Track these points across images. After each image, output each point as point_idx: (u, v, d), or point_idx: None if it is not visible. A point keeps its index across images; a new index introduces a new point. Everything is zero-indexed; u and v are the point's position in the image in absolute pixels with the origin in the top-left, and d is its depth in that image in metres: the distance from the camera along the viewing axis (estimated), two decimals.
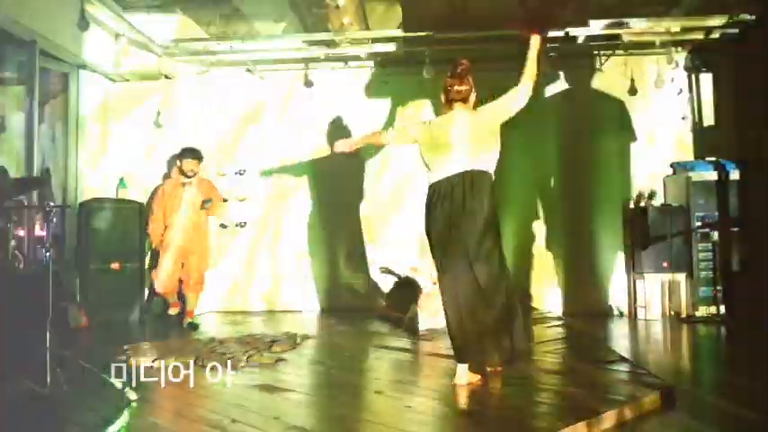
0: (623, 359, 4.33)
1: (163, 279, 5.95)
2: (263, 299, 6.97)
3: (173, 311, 6.19)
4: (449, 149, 3.68)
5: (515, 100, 3.83)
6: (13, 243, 3.93)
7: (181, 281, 6.03)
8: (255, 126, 7.11)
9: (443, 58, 6.51)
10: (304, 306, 6.91)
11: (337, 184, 6.94)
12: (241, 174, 6.97)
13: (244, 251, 6.99)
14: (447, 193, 3.64)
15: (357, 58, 6.79)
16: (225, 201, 6.51)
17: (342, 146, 4.18)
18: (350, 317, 6.24)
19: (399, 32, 6.30)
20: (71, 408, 3.20)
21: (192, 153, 5.98)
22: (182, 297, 6.16)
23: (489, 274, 3.59)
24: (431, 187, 3.74)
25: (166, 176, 6.59)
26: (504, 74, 6.44)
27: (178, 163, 6.03)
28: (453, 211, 3.61)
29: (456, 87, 3.79)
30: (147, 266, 6.47)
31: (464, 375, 3.61)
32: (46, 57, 5.93)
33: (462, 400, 3.48)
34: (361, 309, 6.56)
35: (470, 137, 3.70)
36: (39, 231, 5.43)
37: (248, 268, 7.00)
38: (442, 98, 3.87)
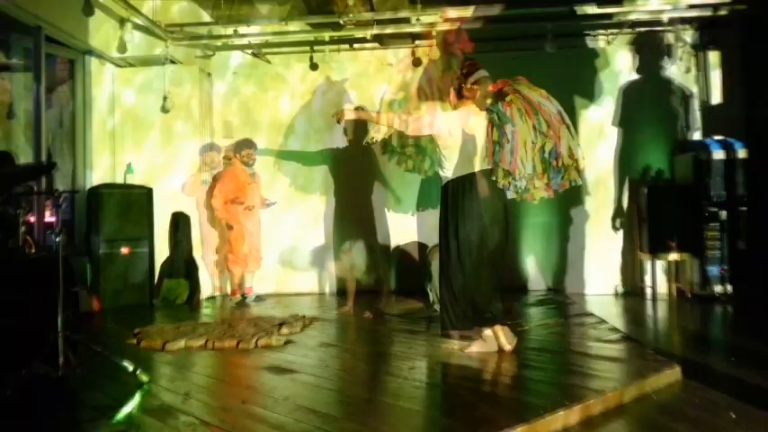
0: (629, 338, 4.35)
1: (243, 261, 6.37)
2: (273, 281, 7.02)
3: (236, 299, 6.39)
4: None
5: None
6: (23, 229, 3.95)
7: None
8: (265, 110, 7.11)
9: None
10: (313, 288, 6.95)
11: (350, 167, 6.95)
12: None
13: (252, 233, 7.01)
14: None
15: (362, 39, 6.75)
16: None
17: (349, 113, 4.16)
18: (359, 299, 6.25)
19: (405, 13, 6.25)
20: (84, 390, 3.25)
21: (252, 144, 6.50)
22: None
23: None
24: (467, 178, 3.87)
25: (226, 164, 6.78)
26: (509, 54, 6.55)
27: (239, 154, 6.43)
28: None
29: (472, 86, 3.93)
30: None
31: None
32: (52, 43, 5.94)
33: (472, 379, 3.51)
34: (370, 291, 6.60)
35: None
36: (49, 217, 5.49)
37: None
38: (454, 95, 3.98)
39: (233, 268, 6.40)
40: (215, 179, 6.56)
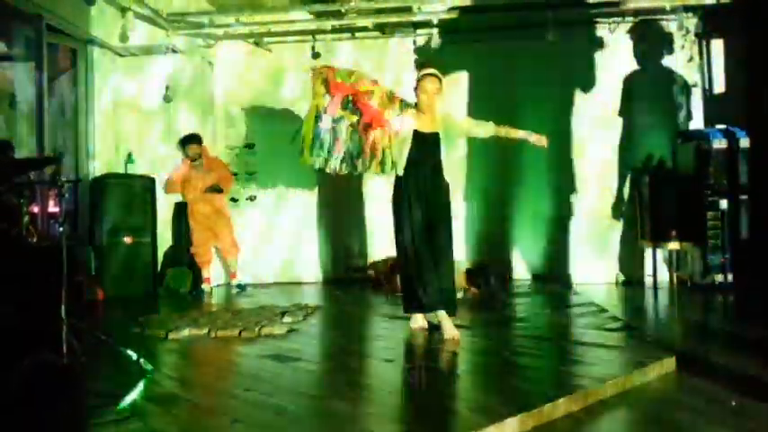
0: (629, 326, 4.36)
1: (198, 249, 6.51)
2: (274, 270, 7.04)
3: (206, 287, 6.54)
4: None
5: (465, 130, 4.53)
6: (26, 218, 3.97)
7: (217, 249, 6.69)
8: (263, 99, 7.09)
9: (453, 27, 6.50)
10: (315, 278, 6.98)
11: None
12: (250, 148, 6.98)
13: (255, 224, 7.04)
14: None
15: (364, 28, 6.73)
16: (235, 174, 6.78)
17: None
18: (360, 288, 6.30)
19: (406, 2, 6.22)
20: (88, 379, 3.26)
21: (193, 139, 6.56)
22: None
23: None
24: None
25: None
26: (510, 42, 6.53)
27: (184, 150, 6.57)
28: None
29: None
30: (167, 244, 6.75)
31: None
32: (53, 32, 5.92)
33: (469, 366, 3.53)
34: (369, 280, 6.63)
35: None
36: (52, 207, 5.51)
37: (259, 240, 7.06)
38: (426, 97, 4.19)
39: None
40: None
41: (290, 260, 7.08)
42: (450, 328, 4.09)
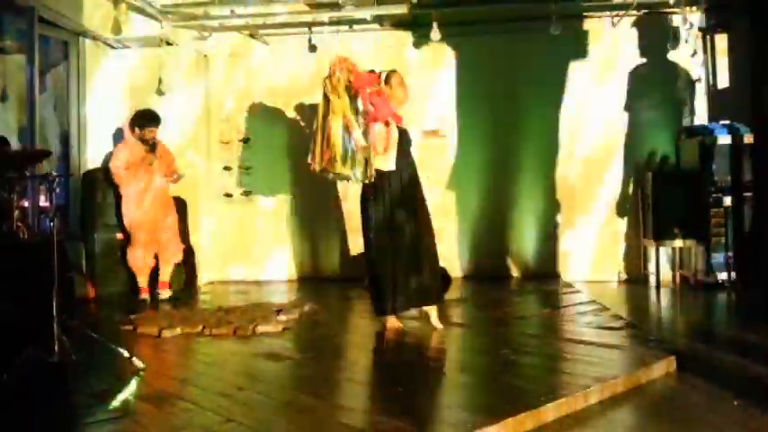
0: (632, 325, 4.30)
1: (139, 256, 5.75)
2: (269, 268, 6.95)
3: (144, 296, 5.74)
4: None
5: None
6: (16, 213, 3.89)
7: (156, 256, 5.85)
8: (258, 92, 7.00)
9: (453, 20, 6.41)
10: (308, 274, 6.89)
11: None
12: (246, 142, 6.89)
13: (249, 220, 6.95)
14: None
15: (363, 20, 6.64)
16: (228, 168, 6.69)
17: None
18: (355, 285, 6.20)
19: None
20: (79, 377, 3.20)
21: (155, 119, 5.81)
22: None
23: None
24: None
25: (118, 141, 6.09)
26: (511, 35, 6.46)
27: (137, 130, 5.73)
28: None
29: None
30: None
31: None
32: (45, 24, 5.83)
33: (469, 366, 3.47)
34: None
35: None
36: (43, 202, 5.41)
37: (252, 237, 6.97)
38: (403, 91, 4.39)
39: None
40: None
41: (284, 257, 6.99)
42: (435, 321, 4.16)
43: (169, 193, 6.00)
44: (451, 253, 6.57)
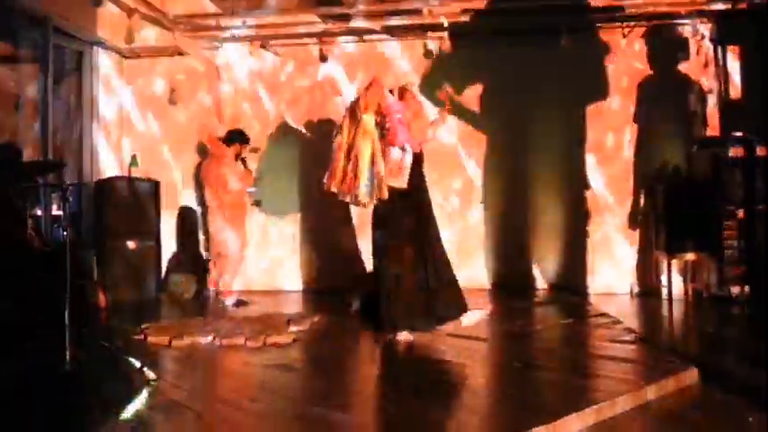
0: (645, 339, 4.26)
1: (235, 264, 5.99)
2: (280, 278, 6.94)
3: (231, 301, 5.89)
4: None
5: None
6: (30, 222, 3.91)
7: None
8: (270, 102, 7.03)
9: (464, 31, 6.42)
10: (318, 285, 6.87)
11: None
12: (256, 152, 6.89)
13: (257, 230, 6.94)
14: None
15: (372, 31, 6.66)
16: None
17: None
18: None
19: (414, 4, 6.15)
20: (90, 386, 3.20)
21: (246, 138, 6.11)
22: None
23: None
24: None
25: (204, 155, 6.46)
26: (524, 48, 6.45)
27: (229, 146, 6.00)
28: None
29: None
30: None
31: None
32: (59, 34, 5.88)
33: (483, 379, 3.44)
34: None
35: None
36: (56, 210, 5.44)
37: (264, 248, 6.96)
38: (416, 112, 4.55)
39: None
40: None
41: (294, 267, 6.97)
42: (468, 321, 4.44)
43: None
44: (477, 264, 6.60)
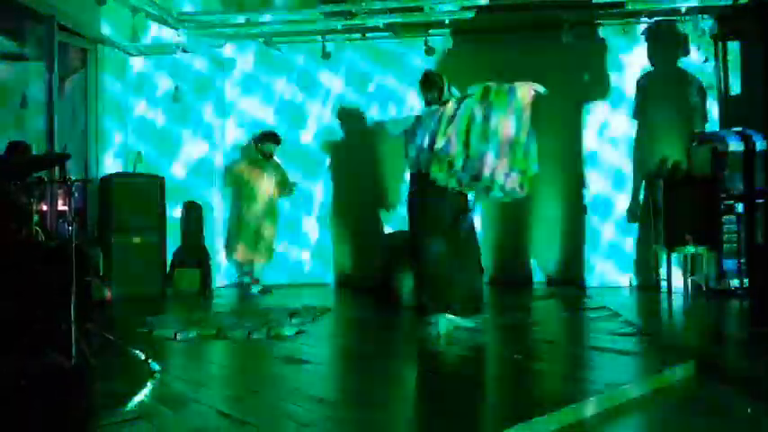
0: (643, 332, 4.30)
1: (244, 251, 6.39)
2: (284, 272, 7.00)
3: (256, 288, 6.36)
4: None
5: None
6: (35, 218, 3.95)
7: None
8: (275, 99, 7.08)
9: (466, 27, 6.45)
10: (324, 280, 6.93)
11: (362, 158, 6.90)
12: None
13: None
14: None
15: (375, 29, 6.68)
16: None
17: None
18: (369, 291, 6.23)
19: (418, 1, 6.17)
20: (96, 379, 3.25)
21: (275, 138, 6.44)
22: None
23: None
24: None
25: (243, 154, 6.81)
26: (526, 44, 6.47)
27: (259, 145, 6.41)
28: None
29: None
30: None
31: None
32: (65, 32, 5.93)
33: (483, 372, 3.48)
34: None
35: None
36: (61, 206, 5.49)
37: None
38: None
39: None
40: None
41: (300, 261, 7.03)
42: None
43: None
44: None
